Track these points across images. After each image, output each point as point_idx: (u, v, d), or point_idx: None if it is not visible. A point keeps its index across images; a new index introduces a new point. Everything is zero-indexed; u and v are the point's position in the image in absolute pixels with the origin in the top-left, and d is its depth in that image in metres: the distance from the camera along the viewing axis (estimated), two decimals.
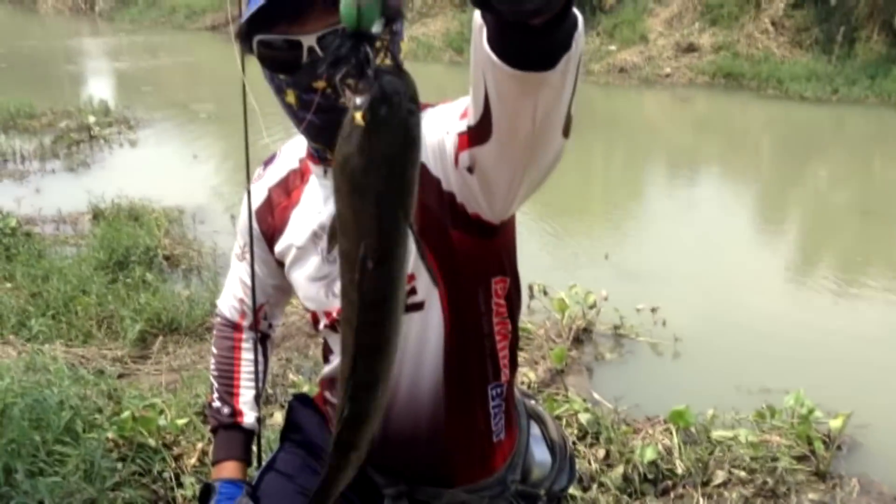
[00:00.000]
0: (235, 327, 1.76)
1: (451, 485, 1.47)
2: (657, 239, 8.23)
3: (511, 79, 0.92)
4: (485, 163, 1.17)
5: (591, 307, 6.22)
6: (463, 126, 1.18)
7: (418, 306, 1.39)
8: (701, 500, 4.19)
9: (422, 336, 1.41)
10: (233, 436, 1.72)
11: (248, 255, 1.67)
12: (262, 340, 1.77)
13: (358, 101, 0.69)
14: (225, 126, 12.79)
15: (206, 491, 1.65)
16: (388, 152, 0.70)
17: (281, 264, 1.58)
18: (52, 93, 14.82)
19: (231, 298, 1.78)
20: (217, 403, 1.73)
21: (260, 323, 1.73)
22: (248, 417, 1.74)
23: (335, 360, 1.56)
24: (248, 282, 1.70)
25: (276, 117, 1.50)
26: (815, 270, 8.00)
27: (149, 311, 5.80)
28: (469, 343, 1.42)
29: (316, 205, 1.46)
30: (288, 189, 1.55)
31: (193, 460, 3.80)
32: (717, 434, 4.60)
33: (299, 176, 1.54)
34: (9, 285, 6.20)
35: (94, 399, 4.21)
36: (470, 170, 1.23)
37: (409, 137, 0.71)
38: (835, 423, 4.56)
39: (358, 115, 0.68)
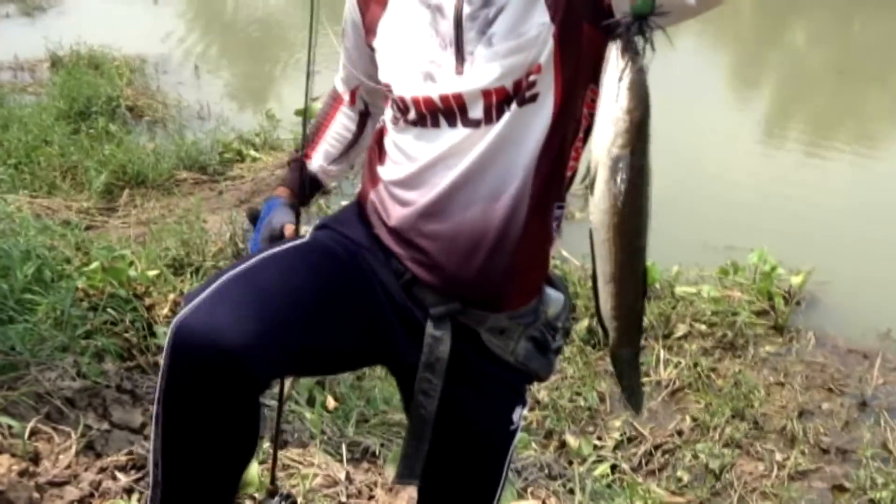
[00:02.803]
0: (338, 98, 1.78)
1: (497, 308, 1.48)
2: None
3: None
4: None
5: None
6: None
7: (533, 98, 1.38)
8: (662, 351, 4.34)
9: (526, 129, 1.39)
10: (294, 169, 1.77)
11: (345, 38, 1.64)
12: (362, 116, 1.77)
13: (642, 62, 0.97)
14: None
15: (255, 214, 1.71)
16: None
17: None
18: None
19: (342, 70, 1.75)
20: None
21: (356, 101, 1.74)
22: (315, 161, 1.78)
23: (409, 164, 1.48)
24: (345, 61, 1.70)
25: None
26: (786, 131, 8.00)
27: (113, 162, 5.68)
28: (562, 148, 1.43)
29: None
30: None
31: (166, 310, 3.82)
32: (680, 290, 4.72)
33: None
34: None
35: (61, 249, 4.17)
36: None
37: None
38: (796, 280, 4.69)
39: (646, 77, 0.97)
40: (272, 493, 2.18)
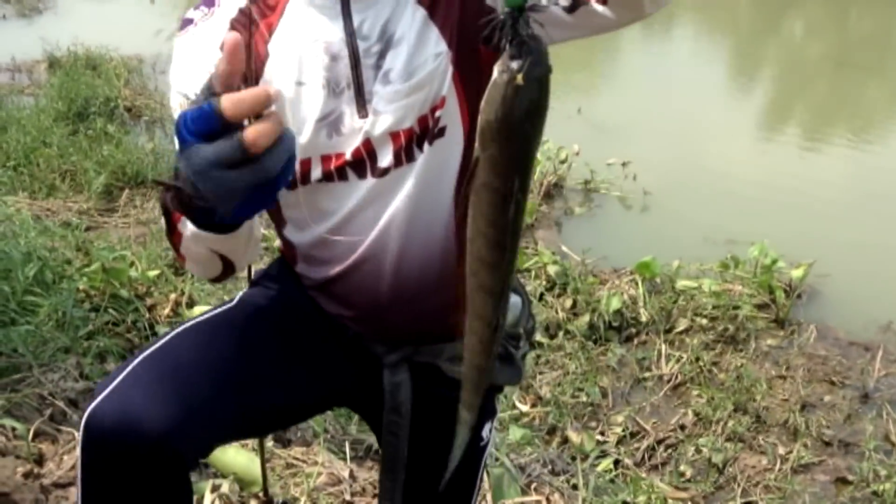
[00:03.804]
0: None
1: (451, 338, 1.42)
2: (630, 93, 8.13)
3: None
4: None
5: (563, 162, 6.21)
6: None
7: (441, 132, 1.30)
8: (663, 346, 4.34)
9: (441, 166, 1.32)
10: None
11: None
12: None
13: (514, 65, 0.84)
14: None
15: None
16: (539, 104, 0.88)
17: None
18: None
19: None
20: None
21: None
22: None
23: (317, 227, 1.36)
24: None
25: None
26: (785, 123, 8.00)
27: (112, 163, 5.67)
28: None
29: (308, 32, 1.28)
30: (254, 20, 1.30)
31: (167, 310, 3.82)
32: (681, 284, 4.72)
33: (265, 6, 1.31)
34: None
35: (62, 251, 4.17)
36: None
37: (548, 90, 0.88)
38: (796, 273, 4.69)
39: (519, 77, 0.84)
40: (268, 503, 2.19)
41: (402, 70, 1.27)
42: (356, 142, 1.29)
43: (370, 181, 1.31)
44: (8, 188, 5.18)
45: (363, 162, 1.30)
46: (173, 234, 1.23)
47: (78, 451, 1.18)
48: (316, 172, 1.32)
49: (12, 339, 2.99)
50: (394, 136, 1.28)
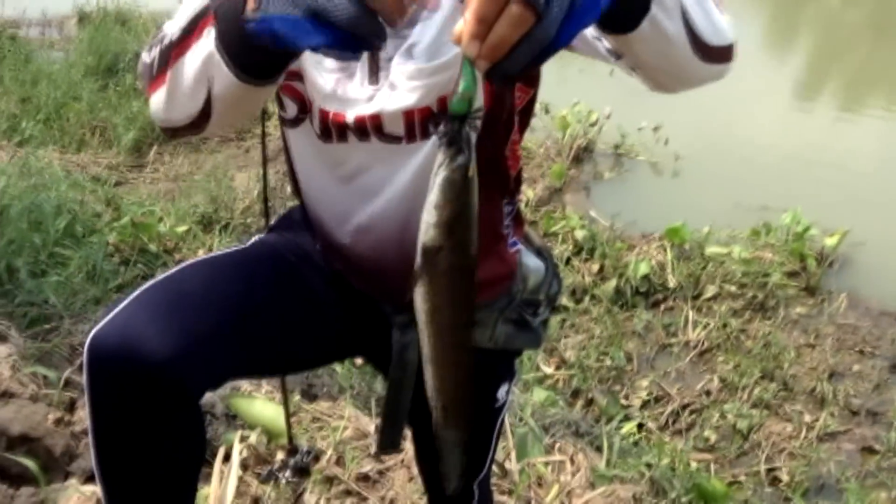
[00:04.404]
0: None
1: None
2: None
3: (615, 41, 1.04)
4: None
5: (593, 125, 6.13)
6: None
7: None
8: (690, 312, 4.31)
9: None
10: None
11: None
12: None
13: (460, 160, 0.91)
14: None
15: None
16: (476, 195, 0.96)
17: None
18: None
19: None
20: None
21: None
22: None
23: (323, 178, 1.34)
24: None
25: None
26: (821, 90, 7.84)
27: (141, 119, 5.69)
28: (494, 150, 1.32)
29: None
30: None
31: None
32: (710, 250, 4.67)
33: None
34: None
35: (92, 205, 4.20)
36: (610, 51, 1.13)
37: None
38: (830, 241, 4.62)
39: (468, 172, 0.92)
40: (293, 451, 2.21)
41: (428, 48, 1.20)
42: (361, 107, 1.23)
43: (375, 144, 1.26)
44: (39, 141, 5.23)
45: (366, 131, 1.25)
46: (179, 44, 1.11)
47: (83, 376, 1.17)
48: (315, 123, 1.28)
49: (44, 289, 3.03)
50: (407, 113, 1.22)
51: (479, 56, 0.83)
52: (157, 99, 1.18)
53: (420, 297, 1.00)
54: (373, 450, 2.31)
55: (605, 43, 1.12)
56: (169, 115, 1.18)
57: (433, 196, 0.94)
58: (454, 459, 1.29)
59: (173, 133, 1.23)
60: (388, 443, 1.51)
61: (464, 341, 1.07)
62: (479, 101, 0.91)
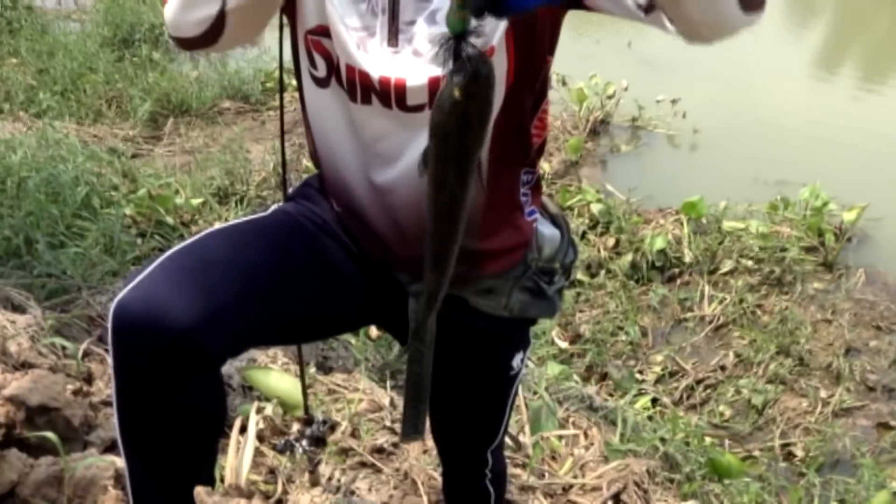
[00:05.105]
0: None
1: (476, 277, 1.41)
2: None
3: None
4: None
5: (610, 97, 6.08)
6: None
7: None
8: (707, 287, 4.29)
9: None
10: None
11: None
12: None
13: (455, 78, 0.94)
14: None
15: None
16: (474, 117, 0.99)
17: None
18: None
19: None
20: None
21: None
22: None
23: (344, 142, 1.34)
24: None
25: None
26: (841, 63, 7.72)
27: (157, 91, 5.69)
28: (520, 121, 1.32)
29: None
30: None
31: None
32: (728, 224, 4.64)
33: None
34: (14, 61, 6.05)
35: (109, 176, 4.22)
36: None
37: (485, 105, 0.99)
38: (848, 216, 4.58)
39: (456, 91, 0.94)
40: (308, 422, 2.23)
41: None
42: (385, 67, 1.23)
43: (396, 112, 1.25)
44: (56, 112, 5.24)
45: (389, 98, 1.24)
46: None
47: (109, 342, 1.19)
48: (344, 79, 1.28)
49: (62, 261, 3.05)
50: (432, 80, 1.21)
51: None
52: (172, 7, 1.19)
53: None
54: (388, 422, 2.33)
55: None
56: (180, 21, 1.20)
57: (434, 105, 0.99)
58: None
59: (184, 44, 1.24)
60: (411, 430, 1.51)
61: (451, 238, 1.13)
62: (474, 22, 0.94)
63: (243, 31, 1.23)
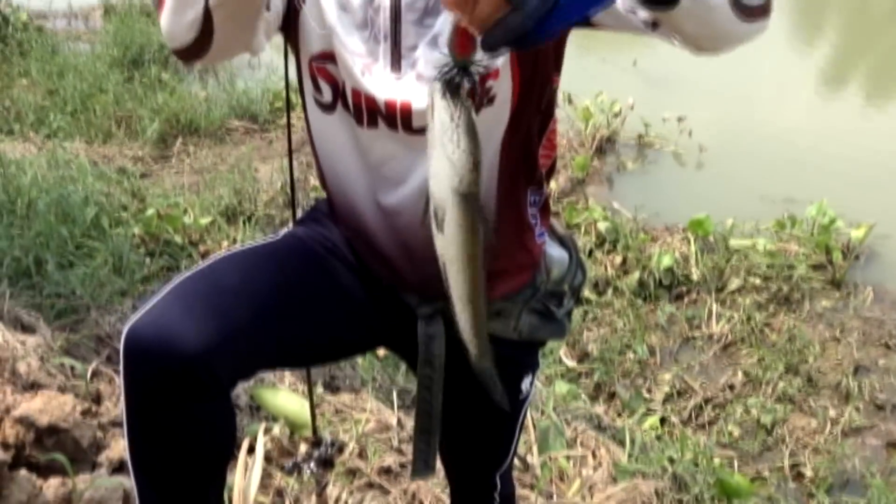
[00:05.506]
0: None
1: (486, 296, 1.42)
2: None
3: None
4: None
5: (616, 116, 6.09)
6: None
7: (491, 100, 1.25)
8: (714, 305, 4.28)
9: (485, 134, 1.19)
10: None
11: None
12: None
13: (468, 103, 0.97)
14: None
15: None
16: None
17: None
18: None
19: None
20: None
21: None
22: None
23: (351, 163, 1.35)
24: None
25: None
26: (847, 80, 7.73)
27: (167, 111, 5.74)
28: (527, 142, 1.34)
29: None
30: None
31: None
32: (735, 242, 4.63)
33: None
34: (25, 82, 6.11)
35: (118, 196, 4.25)
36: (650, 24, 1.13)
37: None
38: (856, 233, 4.57)
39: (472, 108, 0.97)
40: (316, 443, 2.23)
41: None
42: (390, 91, 1.25)
43: (402, 134, 1.27)
44: (66, 133, 5.28)
45: (395, 119, 1.26)
46: None
47: (120, 367, 1.20)
48: (348, 103, 1.30)
49: (71, 281, 3.07)
50: None
51: (468, 24, 0.91)
52: (164, 17, 1.20)
53: (459, 245, 1.05)
54: (395, 442, 2.32)
55: (642, 14, 1.12)
56: (173, 29, 1.20)
57: (464, 143, 0.98)
58: (499, 385, 1.33)
59: (183, 55, 1.25)
60: (422, 466, 1.51)
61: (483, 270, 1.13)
62: (480, 53, 0.96)
63: (232, 32, 1.22)
